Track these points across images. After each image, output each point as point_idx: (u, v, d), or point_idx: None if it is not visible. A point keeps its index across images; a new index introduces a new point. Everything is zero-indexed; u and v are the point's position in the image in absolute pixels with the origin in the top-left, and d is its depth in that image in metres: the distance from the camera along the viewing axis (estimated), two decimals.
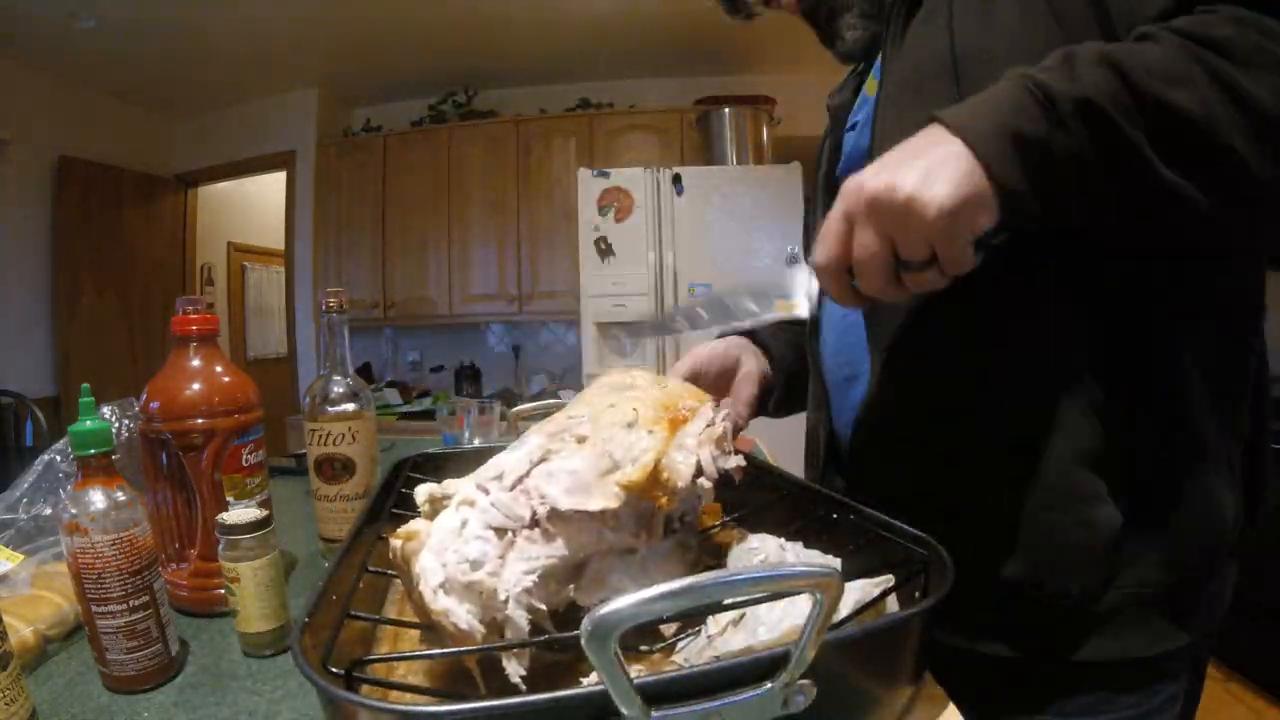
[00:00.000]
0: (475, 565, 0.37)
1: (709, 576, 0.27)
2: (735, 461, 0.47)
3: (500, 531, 0.39)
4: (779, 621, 0.36)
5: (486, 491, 0.41)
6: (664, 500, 0.42)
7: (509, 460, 0.42)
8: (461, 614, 0.36)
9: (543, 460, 0.42)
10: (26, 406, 2.87)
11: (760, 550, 0.46)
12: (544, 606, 0.39)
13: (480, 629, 0.36)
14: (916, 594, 0.40)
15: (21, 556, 0.65)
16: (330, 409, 0.76)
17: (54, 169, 3.19)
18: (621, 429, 0.44)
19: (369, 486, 0.77)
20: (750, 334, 0.74)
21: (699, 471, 0.44)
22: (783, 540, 0.47)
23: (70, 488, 0.53)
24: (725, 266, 2.74)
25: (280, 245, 3.88)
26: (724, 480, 0.47)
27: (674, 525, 0.48)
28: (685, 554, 0.47)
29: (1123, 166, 0.40)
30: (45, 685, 0.52)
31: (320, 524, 0.77)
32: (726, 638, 0.37)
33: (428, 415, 3.02)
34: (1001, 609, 0.52)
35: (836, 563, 0.42)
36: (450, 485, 0.43)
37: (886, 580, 0.39)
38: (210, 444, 0.64)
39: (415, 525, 0.40)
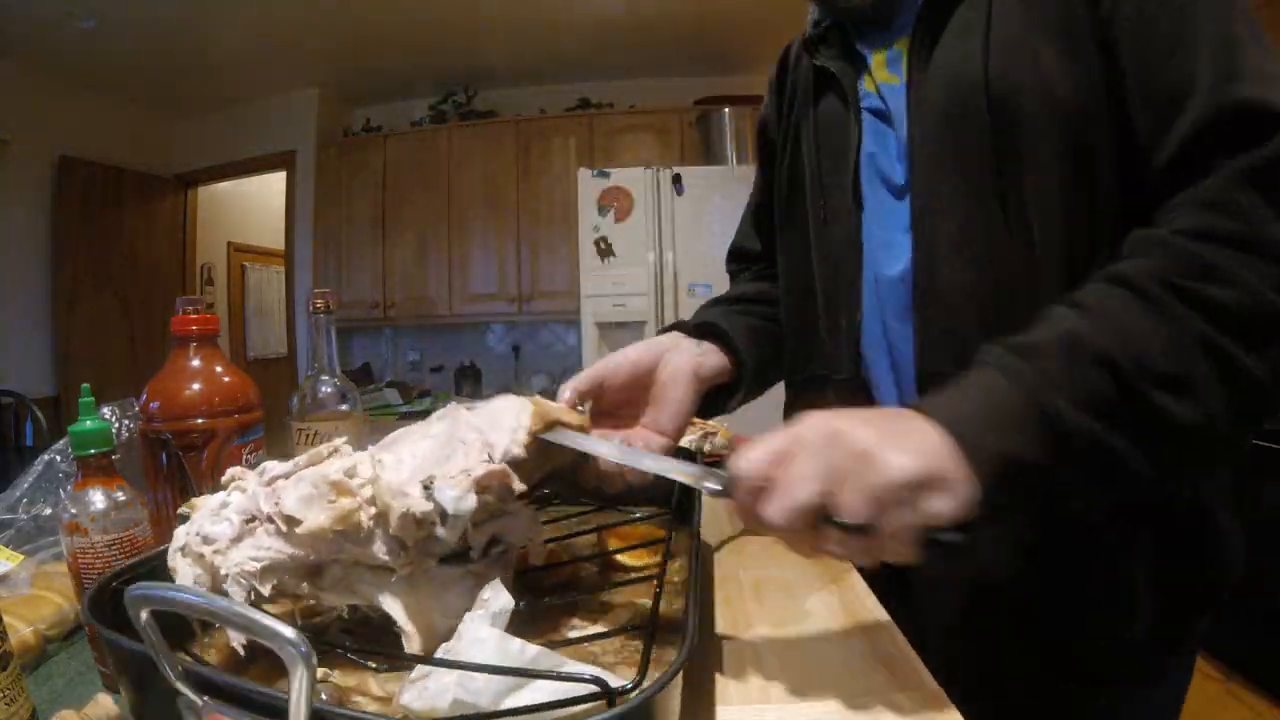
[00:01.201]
0: (207, 540, 0.42)
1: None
2: (471, 503, 0.41)
3: (248, 520, 0.43)
4: (437, 694, 0.33)
5: (258, 479, 0.45)
6: (384, 527, 0.41)
7: (292, 461, 0.46)
8: (187, 574, 0.42)
9: (311, 464, 0.45)
10: (26, 406, 2.87)
11: (490, 598, 0.39)
12: (266, 591, 0.41)
13: (200, 588, 0.41)
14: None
15: (21, 556, 0.65)
16: (317, 409, 0.76)
17: (54, 169, 3.20)
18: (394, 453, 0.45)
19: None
20: (708, 326, 0.64)
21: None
22: (509, 603, 0.39)
23: (70, 488, 0.53)
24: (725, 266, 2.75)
25: (280, 245, 3.88)
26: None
27: (478, 554, 0.45)
28: (473, 582, 0.44)
29: (1108, 477, 0.39)
30: (45, 685, 0.52)
31: None
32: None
33: (428, 415, 3.00)
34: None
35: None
36: (241, 471, 0.47)
37: (569, 689, 0.32)
38: (210, 444, 0.63)
39: (199, 500, 0.45)
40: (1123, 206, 0.47)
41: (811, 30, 0.66)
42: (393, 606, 0.42)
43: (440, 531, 0.41)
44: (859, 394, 0.63)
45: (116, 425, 0.79)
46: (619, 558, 0.57)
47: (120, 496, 0.51)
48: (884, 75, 0.59)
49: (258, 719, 0.30)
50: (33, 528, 0.72)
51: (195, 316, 0.66)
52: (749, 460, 0.38)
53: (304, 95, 3.65)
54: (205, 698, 0.30)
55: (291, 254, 3.73)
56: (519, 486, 0.43)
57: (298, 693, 0.27)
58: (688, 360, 0.59)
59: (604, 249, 2.80)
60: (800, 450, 0.37)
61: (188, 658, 0.40)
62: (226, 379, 0.66)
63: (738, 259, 0.90)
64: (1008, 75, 0.49)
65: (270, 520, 0.42)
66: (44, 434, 2.79)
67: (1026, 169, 0.49)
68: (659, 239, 2.79)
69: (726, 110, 3.04)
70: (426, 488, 0.41)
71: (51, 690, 0.51)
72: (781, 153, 0.71)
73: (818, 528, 0.37)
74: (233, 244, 4.47)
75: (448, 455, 0.44)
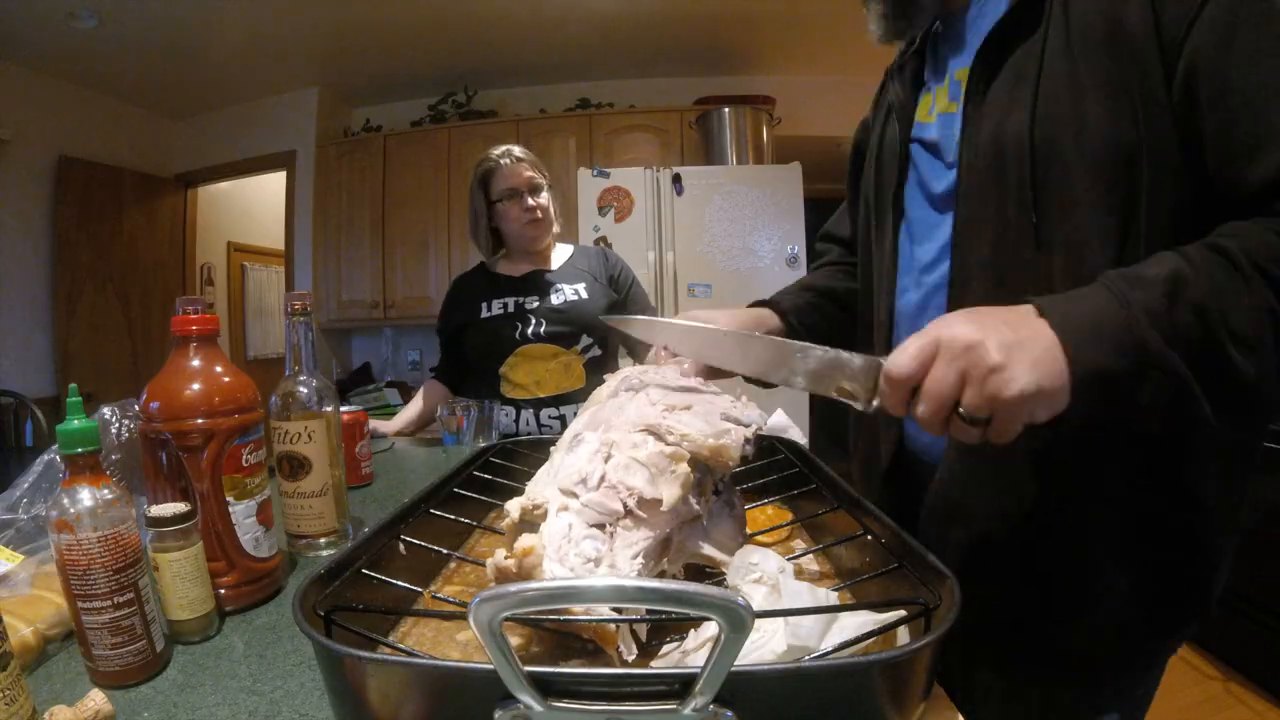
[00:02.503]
0: (596, 562, 0.41)
1: (604, 580, 0.28)
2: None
3: (600, 527, 0.43)
4: (764, 643, 0.36)
5: (575, 495, 0.44)
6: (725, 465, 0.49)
7: (578, 463, 0.46)
8: (603, 609, 0.38)
9: (609, 458, 0.46)
10: (26, 406, 2.87)
11: (759, 567, 0.46)
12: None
13: (615, 615, 0.39)
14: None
15: (21, 556, 0.65)
16: (290, 409, 0.78)
17: (54, 169, 3.20)
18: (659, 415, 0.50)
19: (329, 484, 0.79)
20: (774, 306, 0.80)
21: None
22: (785, 562, 0.47)
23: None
24: (725, 266, 2.75)
25: (280, 245, 3.87)
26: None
27: (717, 488, 0.53)
28: (732, 511, 0.54)
29: (1174, 404, 0.46)
30: (45, 685, 0.52)
31: (285, 520, 0.79)
32: (703, 650, 0.38)
33: None
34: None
35: (793, 595, 0.41)
36: (534, 495, 0.45)
37: (892, 615, 0.38)
38: (210, 444, 0.63)
39: (527, 541, 0.41)
40: (1149, 243, 0.53)
41: (897, 58, 0.76)
42: (710, 550, 0.49)
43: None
44: None
45: (116, 425, 0.79)
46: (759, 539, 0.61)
47: (107, 494, 0.51)
48: (944, 104, 0.67)
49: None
50: (33, 528, 0.72)
51: (195, 316, 0.66)
52: (900, 366, 0.46)
53: (304, 95, 3.65)
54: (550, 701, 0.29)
55: (291, 254, 3.73)
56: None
57: (727, 654, 0.27)
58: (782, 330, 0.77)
59: (599, 247, 2.80)
60: (942, 355, 0.45)
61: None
62: (226, 379, 0.66)
63: (825, 239, 0.99)
64: (1051, 121, 0.55)
65: (627, 514, 0.44)
66: (44, 434, 2.79)
67: (1059, 205, 0.56)
68: (659, 239, 2.79)
69: (726, 110, 3.03)
70: (744, 425, 0.50)
71: (51, 690, 0.51)
72: (865, 162, 0.81)
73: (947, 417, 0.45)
74: (233, 244, 4.46)
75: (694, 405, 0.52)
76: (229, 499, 0.65)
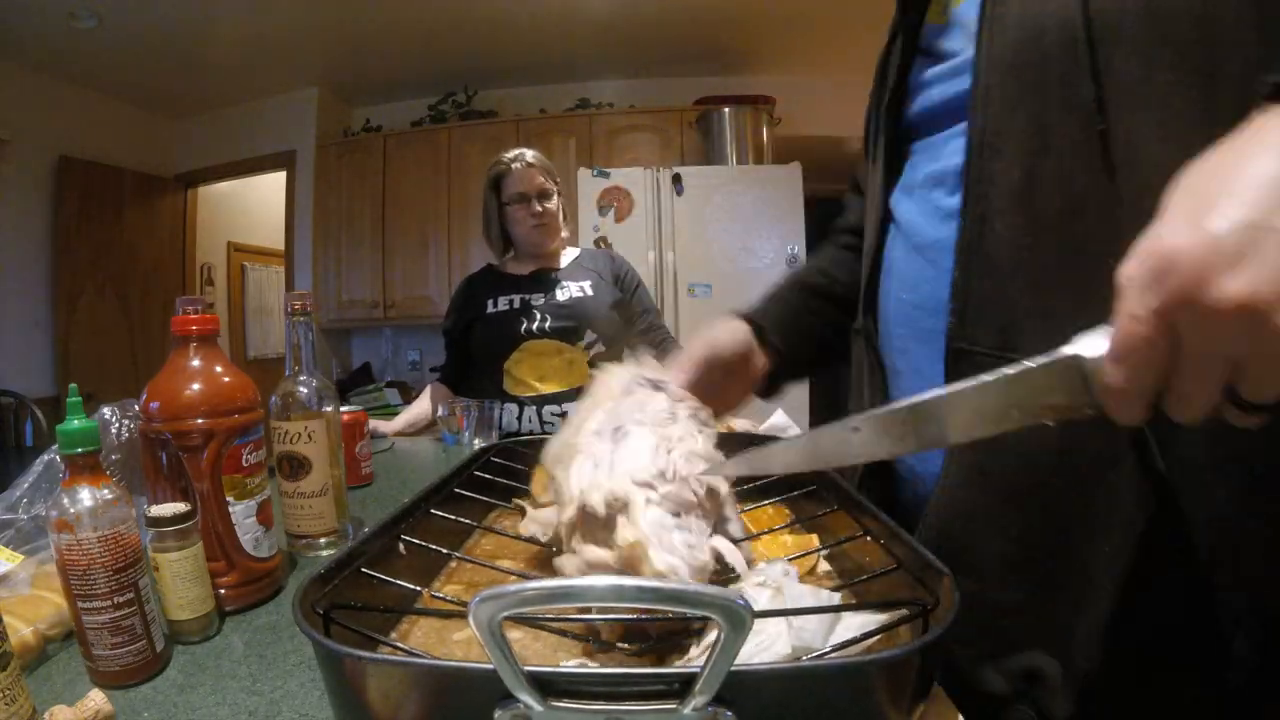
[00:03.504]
0: (690, 548, 0.42)
1: (604, 580, 0.28)
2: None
3: (676, 516, 0.44)
4: (768, 646, 0.36)
5: (653, 487, 0.45)
6: None
7: (642, 457, 0.47)
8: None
9: (669, 451, 0.48)
10: (26, 406, 2.87)
11: (762, 571, 0.45)
12: None
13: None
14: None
15: (21, 556, 0.65)
16: (290, 409, 0.78)
17: (54, 169, 3.20)
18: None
19: (329, 484, 0.79)
20: (757, 329, 0.71)
21: None
22: (788, 565, 0.47)
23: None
24: (725, 266, 2.75)
25: (280, 245, 3.88)
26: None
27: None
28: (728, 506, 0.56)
29: None
30: (45, 685, 0.52)
31: (285, 520, 0.79)
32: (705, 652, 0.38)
33: None
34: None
35: (793, 599, 0.41)
36: (614, 487, 0.45)
37: (893, 614, 0.37)
38: (210, 444, 0.63)
39: (630, 534, 0.41)
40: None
41: None
42: (736, 530, 0.51)
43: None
44: (873, 350, 0.63)
45: (116, 425, 0.79)
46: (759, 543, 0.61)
47: (107, 494, 0.51)
48: None
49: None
50: (33, 528, 0.72)
51: (195, 316, 0.66)
52: (1128, 369, 0.28)
53: (304, 95, 3.65)
54: (550, 701, 0.29)
55: (291, 254, 3.73)
56: None
57: (726, 654, 0.27)
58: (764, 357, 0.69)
59: (604, 248, 2.81)
60: (1182, 339, 0.27)
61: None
62: (226, 379, 0.66)
63: (854, 187, 0.82)
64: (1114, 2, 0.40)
65: (699, 506, 0.46)
66: (44, 434, 2.80)
67: (1128, 101, 0.40)
68: (659, 239, 2.79)
69: (726, 110, 3.03)
70: None
71: (51, 690, 0.51)
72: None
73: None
74: (233, 244, 4.46)
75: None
76: (229, 499, 0.65)
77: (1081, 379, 0.30)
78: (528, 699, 0.28)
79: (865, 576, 0.47)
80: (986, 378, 0.33)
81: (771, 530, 0.60)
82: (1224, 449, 0.40)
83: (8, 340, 3.04)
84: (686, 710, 0.28)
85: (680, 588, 0.28)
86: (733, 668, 0.27)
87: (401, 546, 0.51)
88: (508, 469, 0.74)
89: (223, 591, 0.64)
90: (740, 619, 0.26)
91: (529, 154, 1.65)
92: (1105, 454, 0.43)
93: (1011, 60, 0.45)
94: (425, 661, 0.33)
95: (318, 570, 0.40)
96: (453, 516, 0.59)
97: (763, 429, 1.10)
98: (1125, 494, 0.42)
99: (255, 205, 4.45)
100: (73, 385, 0.56)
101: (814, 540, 0.59)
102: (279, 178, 3.76)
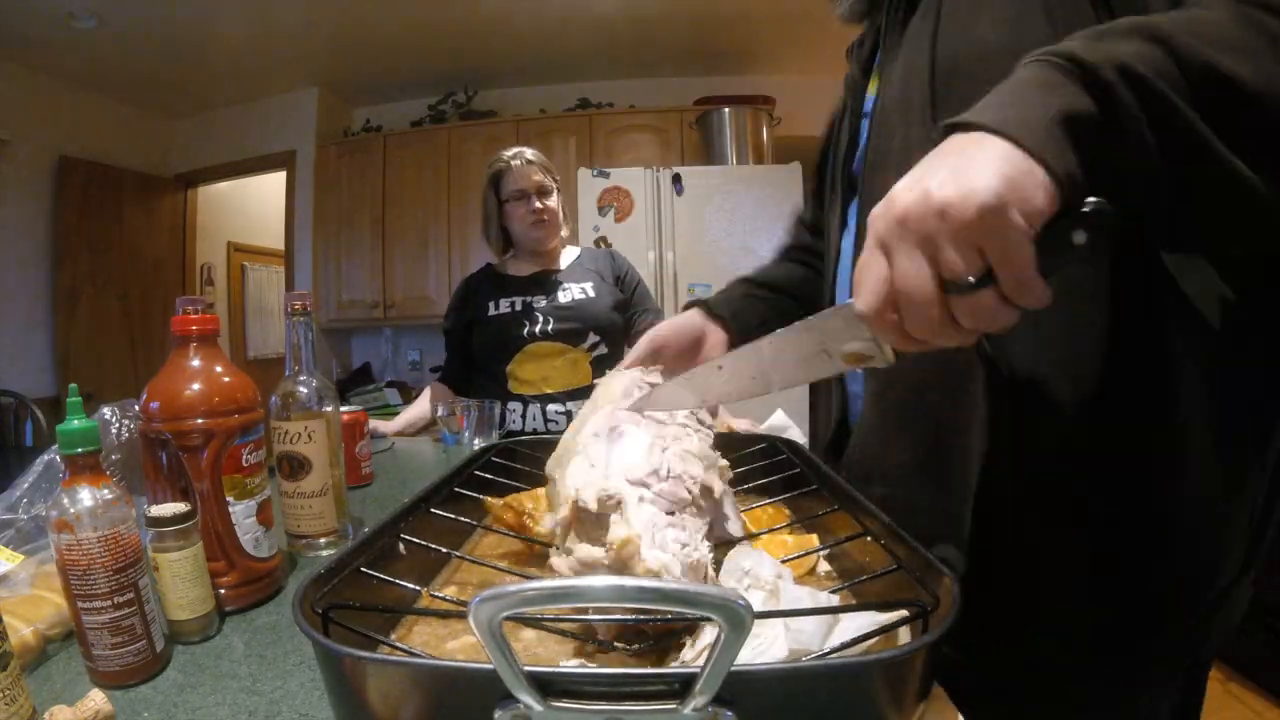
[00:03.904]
0: (682, 546, 0.42)
1: (604, 580, 0.28)
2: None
3: (670, 515, 0.44)
4: (765, 649, 0.36)
5: (646, 485, 0.46)
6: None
7: (637, 456, 0.47)
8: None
9: (665, 449, 0.48)
10: (26, 406, 2.87)
11: (751, 573, 0.45)
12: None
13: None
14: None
15: (21, 556, 0.65)
16: (290, 409, 0.78)
17: (54, 169, 3.20)
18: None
19: (329, 484, 0.79)
20: (707, 308, 0.79)
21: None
22: (782, 566, 0.47)
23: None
24: (725, 266, 2.74)
25: (280, 245, 3.88)
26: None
27: None
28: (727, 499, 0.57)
29: (1179, 144, 0.35)
30: (45, 685, 0.52)
31: (285, 520, 0.79)
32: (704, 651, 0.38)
33: None
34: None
35: (794, 598, 0.41)
36: (607, 485, 0.45)
37: (892, 616, 0.37)
38: (210, 444, 0.63)
39: (622, 531, 0.41)
40: None
41: (857, 37, 0.73)
42: (734, 528, 0.53)
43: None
44: None
45: (116, 425, 0.79)
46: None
47: (107, 494, 0.51)
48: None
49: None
50: (33, 528, 0.72)
51: (195, 316, 0.66)
52: (866, 295, 0.37)
53: (304, 95, 3.65)
54: (550, 701, 0.29)
55: (291, 254, 3.73)
56: None
57: (726, 654, 0.27)
58: (723, 335, 0.76)
59: (604, 248, 2.81)
60: (891, 251, 0.36)
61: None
62: (226, 379, 0.66)
63: (799, 221, 0.98)
64: (950, 50, 0.52)
65: (693, 504, 0.46)
66: (44, 434, 2.80)
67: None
68: (659, 239, 2.79)
69: (726, 110, 3.04)
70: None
71: (51, 690, 0.51)
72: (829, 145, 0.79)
73: (951, 307, 0.35)
74: (233, 244, 4.46)
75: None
76: (229, 499, 0.65)
77: (859, 322, 0.39)
78: (528, 699, 0.28)
79: (865, 577, 0.47)
80: (797, 324, 0.43)
81: (771, 530, 0.60)
82: (1047, 358, 0.51)
83: (8, 340, 3.04)
84: (686, 710, 0.28)
85: (680, 588, 0.28)
86: (733, 668, 0.27)
87: (401, 546, 0.51)
88: (508, 469, 0.74)
89: (223, 591, 0.64)
90: (740, 619, 0.26)
91: (528, 151, 1.65)
92: (965, 370, 0.53)
93: (891, 99, 0.57)
94: (425, 661, 0.33)
95: (318, 570, 0.40)
96: (453, 516, 0.59)
97: (763, 429, 1.10)
98: (981, 398, 0.53)
99: (255, 205, 4.45)
100: (73, 385, 0.56)
101: (814, 540, 0.58)
102: (279, 178, 3.76)
